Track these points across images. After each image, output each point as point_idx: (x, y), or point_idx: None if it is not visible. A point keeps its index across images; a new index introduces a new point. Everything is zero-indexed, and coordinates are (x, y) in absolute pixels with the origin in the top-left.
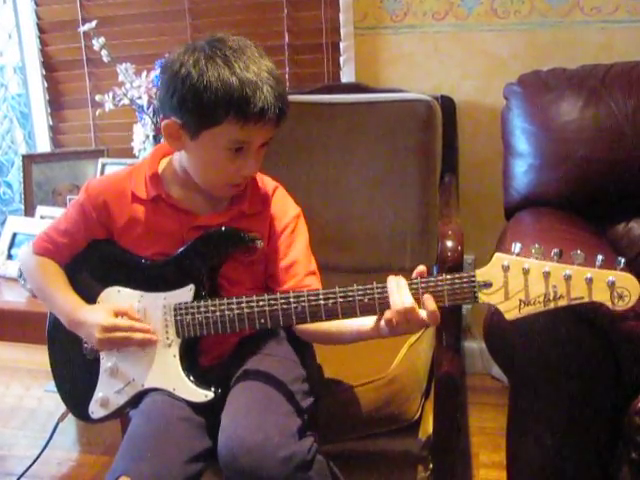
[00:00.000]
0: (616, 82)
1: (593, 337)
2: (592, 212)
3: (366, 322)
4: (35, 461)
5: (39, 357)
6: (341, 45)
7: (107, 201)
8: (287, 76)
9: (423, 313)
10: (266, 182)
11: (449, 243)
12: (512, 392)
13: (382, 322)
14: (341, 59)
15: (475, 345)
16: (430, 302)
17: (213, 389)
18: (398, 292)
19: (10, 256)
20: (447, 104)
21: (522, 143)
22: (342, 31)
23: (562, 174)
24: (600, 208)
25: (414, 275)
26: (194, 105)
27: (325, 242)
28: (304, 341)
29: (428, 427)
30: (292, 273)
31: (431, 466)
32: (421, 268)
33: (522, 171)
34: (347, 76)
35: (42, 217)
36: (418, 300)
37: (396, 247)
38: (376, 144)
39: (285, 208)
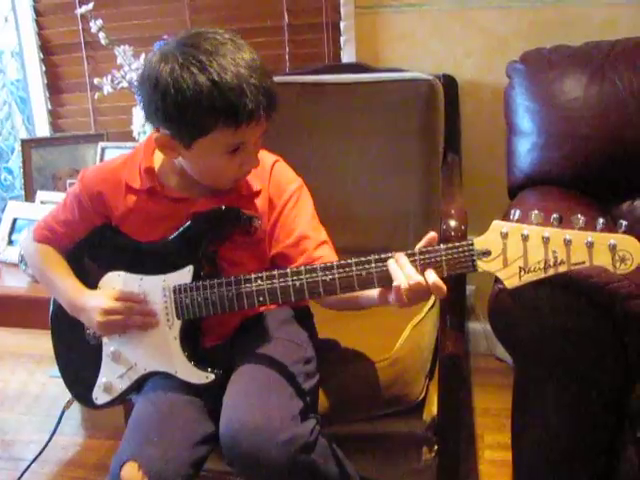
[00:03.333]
0: (621, 59)
1: (599, 317)
2: (596, 191)
3: (375, 292)
4: (43, 449)
5: (43, 343)
6: (341, 25)
7: (102, 191)
8: (287, 56)
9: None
10: (264, 158)
11: (452, 223)
12: (517, 372)
13: (390, 297)
14: (341, 39)
15: (479, 326)
16: (431, 275)
17: (215, 370)
18: (402, 270)
19: (11, 242)
20: (449, 83)
21: (525, 122)
22: (342, 10)
23: (566, 152)
24: (604, 187)
25: (424, 243)
26: (179, 119)
27: (326, 223)
28: (306, 322)
29: (432, 408)
30: (301, 249)
31: (436, 447)
32: (431, 235)
33: (526, 150)
34: (348, 56)
35: (42, 202)
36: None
37: (398, 228)
38: (377, 124)
39: (285, 182)
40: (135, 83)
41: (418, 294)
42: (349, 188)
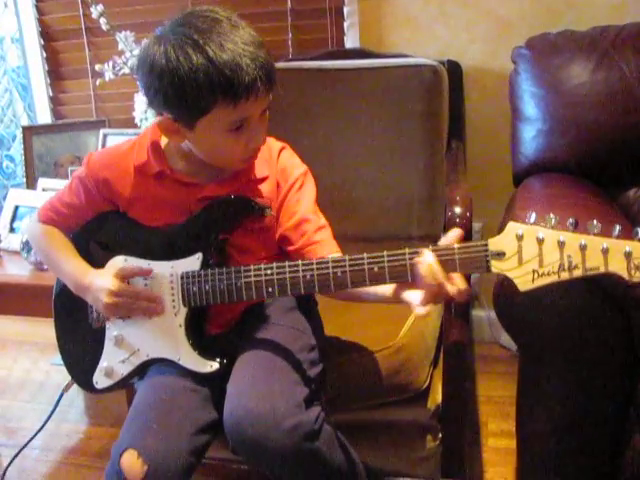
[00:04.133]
0: (628, 44)
1: (605, 304)
2: (602, 178)
3: (387, 288)
4: (39, 431)
5: (46, 330)
6: (345, 10)
7: (108, 177)
8: (290, 42)
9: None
10: (271, 144)
11: (457, 209)
12: (522, 360)
13: (407, 295)
14: (345, 24)
15: (483, 314)
16: (460, 281)
17: (218, 360)
18: (432, 274)
19: (12, 229)
20: (453, 69)
21: (531, 108)
22: None
23: (572, 139)
24: (611, 173)
25: (450, 240)
26: (178, 100)
27: (330, 210)
28: (311, 310)
29: (437, 396)
30: (301, 231)
31: (440, 435)
32: (458, 232)
33: (531, 136)
34: (351, 41)
35: (44, 190)
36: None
37: (402, 214)
38: (381, 110)
39: (291, 168)
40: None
41: (439, 298)
42: (352, 174)
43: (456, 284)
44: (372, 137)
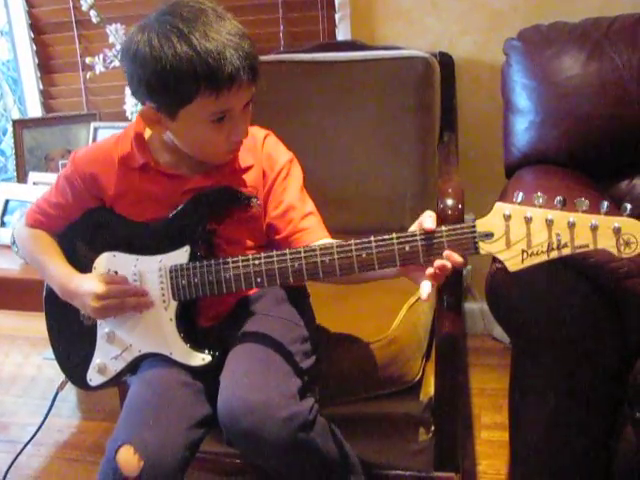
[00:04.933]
0: (620, 35)
1: (597, 296)
2: (595, 169)
3: None
4: (38, 430)
5: (37, 325)
6: (336, 2)
7: (95, 173)
8: (281, 34)
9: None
10: (255, 133)
11: (449, 201)
12: (514, 352)
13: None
14: (336, 16)
15: (476, 306)
16: (455, 257)
17: (211, 352)
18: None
19: (3, 223)
20: (445, 61)
21: (523, 99)
22: None
23: (564, 131)
24: (603, 165)
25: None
26: (161, 88)
27: (322, 203)
28: (303, 302)
29: (429, 389)
30: (287, 219)
31: (432, 428)
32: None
33: (523, 128)
34: (343, 34)
35: (35, 183)
36: (410, 255)
37: (395, 207)
38: (373, 102)
39: (277, 155)
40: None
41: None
42: (344, 167)
43: (454, 261)
44: (364, 130)
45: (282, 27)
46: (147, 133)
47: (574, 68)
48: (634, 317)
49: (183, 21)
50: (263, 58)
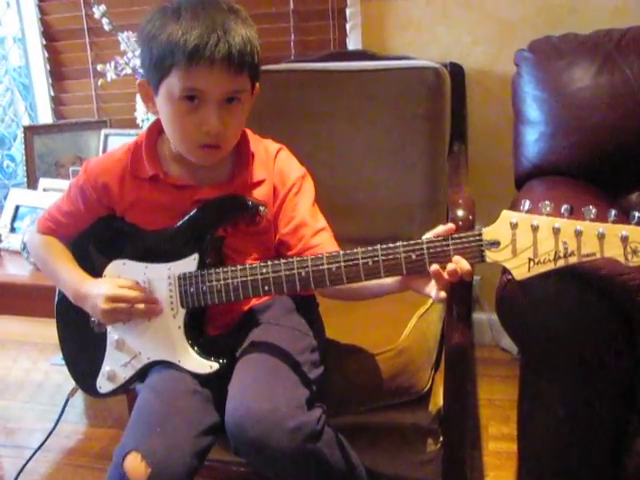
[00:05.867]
0: (631, 47)
1: (607, 308)
2: (605, 181)
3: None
4: (48, 437)
5: (45, 330)
6: (347, 11)
7: (107, 182)
8: (292, 44)
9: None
10: (268, 146)
11: (460, 212)
12: (523, 363)
13: (417, 284)
14: (347, 26)
15: (484, 317)
16: (463, 263)
17: (219, 360)
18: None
19: (13, 229)
20: (456, 71)
21: (533, 111)
22: None
23: (574, 142)
24: (613, 177)
25: (440, 232)
26: (148, 58)
27: (331, 212)
28: (312, 311)
29: (438, 399)
30: (299, 235)
31: (441, 439)
32: (449, 226)
33: (533, 139)
34: (354, 43)
35: (45, 190)
36: (417, 263)
37: (404, 217)
38: (383, 112)
39: (289, 170)
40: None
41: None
42: (354, 177)
43: (462, 267)
44: (374, 139)
45: (293, 36)
46: (159, 150)
47: (585, 80)
48: None
49: (189, 3)
50: (274, 67)
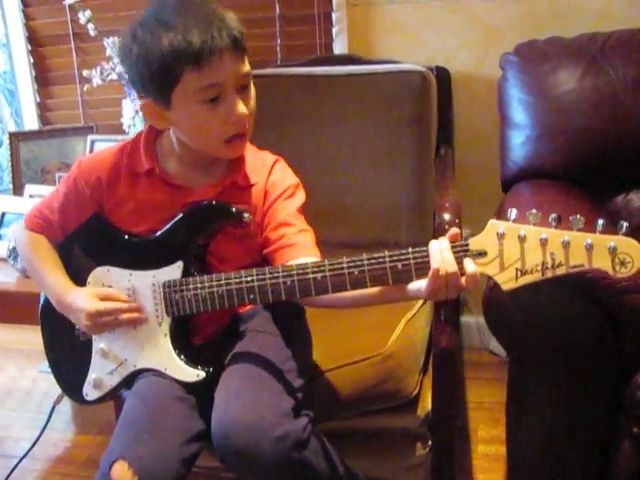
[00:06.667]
0: (615, 51)
1: (594, 311)
2: (591, 184)
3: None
4: (33, 445)
5: (33, 338)
6: (333, 16)
7: (101, 178)
8: (278, 48)
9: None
10: (265, 156)
11: (446, 216)
12: (512, 366)
13: (414, 286)
14: (333, 30)
15: (472, 320)
16: (471, 265)
17: (205, 369)
18: (441, 254)
19: None
20: (442, 75)
21: (519, 114)
22: (334, 1)
23: (560, 145)
24: (599, 180)
25: (448, 237)
26: (149, 73)
27: (318, 217)
28: (298, 318)
29: (426, 404)
30: (280, 233)
31: (430, 442)
32: (454, 231)
33: (519, 142)
34: (340, 47)
35: (31, 196)
36: (403, 272)
37: (391, 221)
38: (370, 116)
39: (282, 179)
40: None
41: (451, 284)
42: (341, 181)
43: (469, 268)
44: (361, 143)
45: (279, 41)
46: (158, 146)
47: (570, 83)
48: (630, 332)
49: (162, 6)
50: (260, 72)
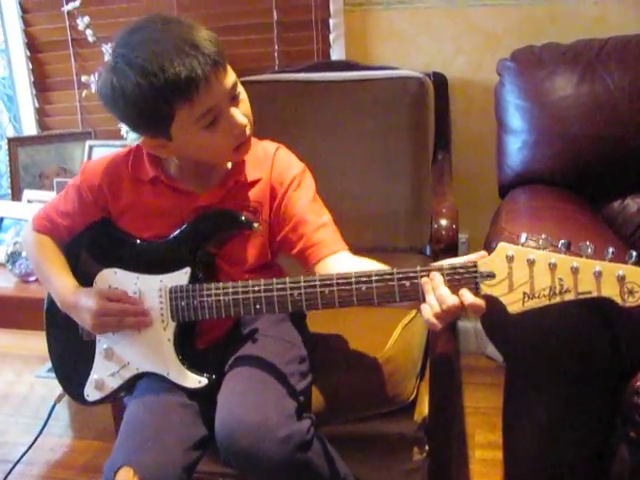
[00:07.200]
0: (612, 57)
1: (592, 315)
2: (587, 189)
3: None
4: (29, 449)
5: (30, 343)
6: (331, 22)
7: (104, 184)
8: (276, 54)
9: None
10: (266, 146)
11: (443, 222)
12: (508, 371)
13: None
14: (331, 36)
15: (469, 324)
16: (467, 295)
17: (207, 375)
18: (434, 292)
19: None
20: (439, 81)
21: (516, 120)
22: (332, 7)
23: (557, 151)
24: (595, 185)
25: (475, 258)
26: (141, 118)
27: None
28: (300, 322)
29: (423, 408)
30: (299, 233)
31: (427, 447)
32: (482, 253)
33: (516, 148)
34: (337, 54)
35: (29, 201)
36: (410, 291)
37: (389, 226)
38: (367, 122)
39: (288, 167)
40: None
41: (451, 315)
42: (338, 187)
43: (466, 299)
44: (358, 149)
45: (277, 47)
46: None
47: (567, 89)
48: (629, 337)
49: (127, 47)
50: (258, 78)
